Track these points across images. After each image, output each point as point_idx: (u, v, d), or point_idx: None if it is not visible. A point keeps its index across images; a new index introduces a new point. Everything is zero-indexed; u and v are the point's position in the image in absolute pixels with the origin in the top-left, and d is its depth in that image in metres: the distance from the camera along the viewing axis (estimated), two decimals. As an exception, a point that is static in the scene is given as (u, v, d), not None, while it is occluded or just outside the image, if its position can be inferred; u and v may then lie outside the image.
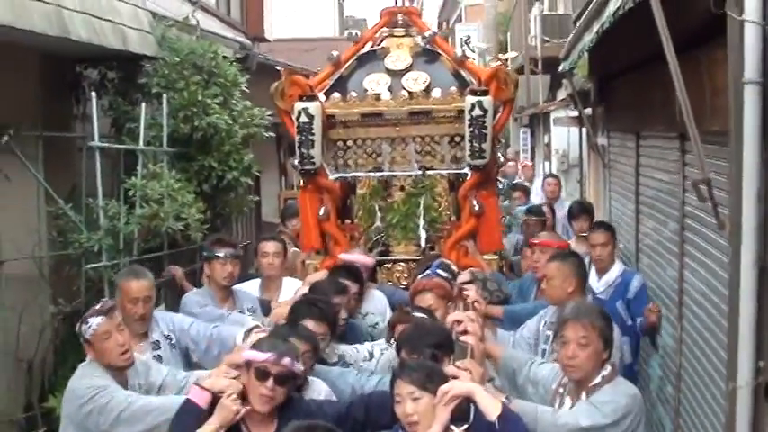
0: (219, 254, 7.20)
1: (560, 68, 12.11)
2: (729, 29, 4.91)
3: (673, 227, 7.58)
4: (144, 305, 6.06)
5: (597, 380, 4.69)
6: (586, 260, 7.66)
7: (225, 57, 10.53)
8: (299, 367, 4.71)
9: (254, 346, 4.79)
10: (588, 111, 13.09)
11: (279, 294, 7.60)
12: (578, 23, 9.53)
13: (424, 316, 5.55)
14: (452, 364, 4.58)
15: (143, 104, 9.07)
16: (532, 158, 27.06)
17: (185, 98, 9.51)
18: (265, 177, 12.90)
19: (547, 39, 19.87)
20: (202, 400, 4.67)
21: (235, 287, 7.42)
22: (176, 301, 7.76)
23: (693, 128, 4.87)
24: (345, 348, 5.90)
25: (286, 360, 4.59)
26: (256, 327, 5.66)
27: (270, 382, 4.57)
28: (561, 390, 4.93)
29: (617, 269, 8.00)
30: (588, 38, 8.06)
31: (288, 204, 11.45)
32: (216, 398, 4.65)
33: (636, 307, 7.71)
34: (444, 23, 42.69)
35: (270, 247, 7.75)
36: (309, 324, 5.43)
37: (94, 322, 5.24)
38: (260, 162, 11.02)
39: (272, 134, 11.31)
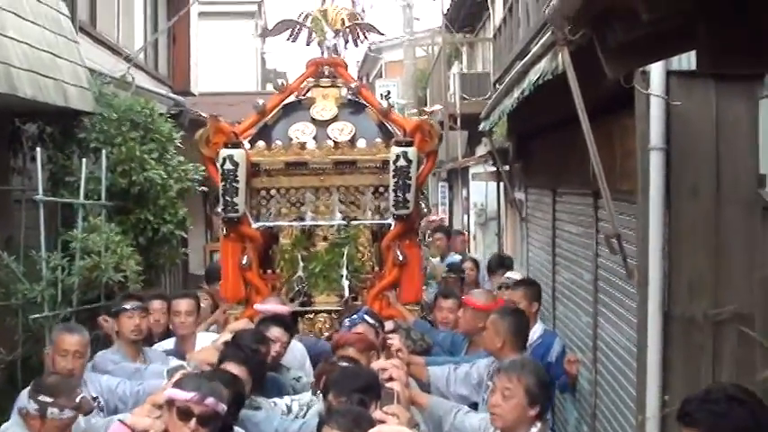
0: (126, 306, 6.95)
1: (480, 128, 12.59)
2: (637, 101, 5.49)
3: (587, 277, 8.09)
4: (74, 360, 5.89)
5: None
6: None
7: (160, 113, 10.90)
8: (224, 407, 4.48)
9: (177, 385, 4.54)
10: (506, 167, 13.61)
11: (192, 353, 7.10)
12: (498, 87, 10.05)
13: (349, 365, 5.34)
14: (380, 409, 4.49)
15: (83, 159, 9.39)
16: (450, 212, 27.59)
17: (123, 153, 9.87)
18: (192, 230, 13.22)
19: (465, 96, 20.37)
20: None
21: (145, 347, 7.18)
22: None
23: (605, 187, 5.40)
24: (262, 402, 5.64)
25: (209, 400, 4.37)
26: (180, 367, 5.62)
27: (192, 422, 4.34)
28: None
29: (538, 330, 7.68)
30: (509, 102, 8.56)
31: (211, 266, 11.07)
32: None
33: (557, 370, 7.33)
34: (364, 78, 43.27)
35: (182, 305, 7.51)
36: (232, 367, 5.26)
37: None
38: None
39: (203, 188, 11.64)
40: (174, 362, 6.16)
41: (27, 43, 8.61)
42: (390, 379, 5.02)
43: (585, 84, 5.20)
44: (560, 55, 5.20)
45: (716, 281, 5.47)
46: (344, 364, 5.31)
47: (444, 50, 23.27)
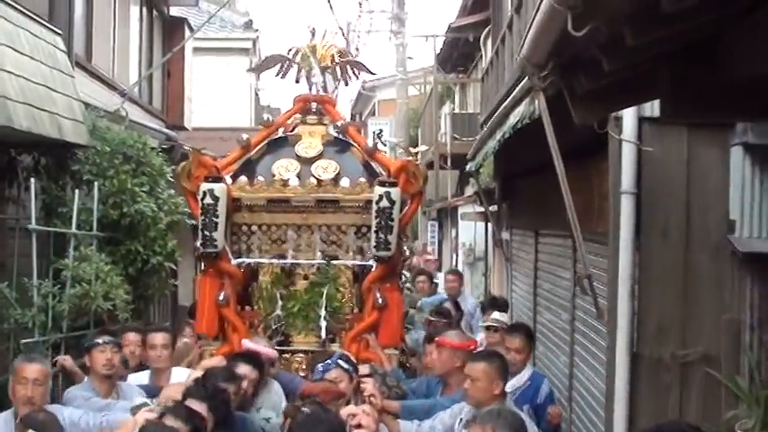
0: (98, 341, 6.78)
1: (467, 168, 12.81)
2: (610, 146, 5.72)
3: (565, 317, 8.30)
4: (33, 387, 5.78)
5: None
6: None
7: (152, 147, 11.13)
8: None
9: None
10: (493, 207, 13.83)
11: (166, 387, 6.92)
12: (484, 128, 10.28)
13: (315, 409, 5.17)
14: None
15: (76, 190, 9.60)
16: (439, 251, 27.79)
17: (115, 186, 10.08)
18: (182, 262, 13.40)
19: (456, 136, 20.55)
20: None
21: (120, 382, 7.00)
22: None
23: (577, 229, 5.59)
24: None
25: None
26: (144, 404, 5.48)
27: None
28: None
29: (527, 373, 7.37)
30: (492, 144, 8.79)
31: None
32: None
33: (544, 412, 7.12)
34: (357, 116, 43.56)
35: (158, 339, 7.37)
36: (194, 405, 5.18)
37: None
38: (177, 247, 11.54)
39: (193, 222, 11.83)
40: (138, 399, 5.88)
41: (24, 77, 8.80)
42: (359, 426, 4.91)
43: (563, 127, 5.34)
44: (537, 100, 5.41)
45: (684, 323, 5.71)
46: (310, 408, 5.14)
47: (436, 90, 23.56)
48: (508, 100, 7.34)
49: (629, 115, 5.60)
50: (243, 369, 6.13)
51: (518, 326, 8.09)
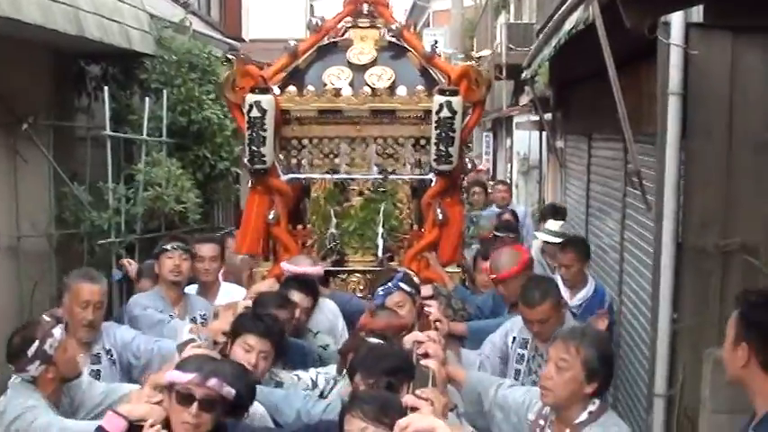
0: (167, 246, 6.57)
1: (522, 76, 13.03)
2: (659, 50, 6.00)
3: (616, 216, 8.60)
4: (94, 311, 5.46)
5: (583, 416, 4.00)
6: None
7: (216, 57, 11.53)
8: (230, 391, 3.95)
9: (179, 366, 4.04)
10: (548, 116, 14.06)
11: (215, 303, 6.78)
12: (540, 36, 10.49)
13: (379, 341, 4.71)
14: (412, 392, 3.90)
15: (146, 98, 10.05)
16: (494, 162, 28.04)
17: (183, 93, 10.57)
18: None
19: (512, 46, 20.64)
20: (117, 428, 3.88)
21: (189, 293, 6.81)
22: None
23: (628, 129, 5.93)
24: (284, 375, 5.13)
25: (213, 382, 3.88)
26: (191, 341, 5.05)
27: (194, 407, 3.86)
28: (542, 422, 4.25)
29: (592, 285, 7.20)
30: (547, 51, 9.01)
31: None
32: (134, 426, 3.91)
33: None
34: (412, 27, 43.50)
35: (205, 250, 6.94)
36: (251, 340, 4.82)
37: (58, 333, 4.73)
38: (242, 154, 11.99)
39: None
40: (186, 333, 5.50)
41: (93, -12, 9.21)
42: (426, 355, 4.50)
43: (615, 34, 5.54)
44: (591, 6, 5.70)
45: (725, 215, 6.00)
46: (373, 339, 4.73)
47: (491, 0, 23.57)
48: (564, 7, 7.53)
49: (676, 20, 5.82)
50: (296, 297, 5.76)
51: (568, 241, 7.77)
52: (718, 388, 5.55)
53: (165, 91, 10.30)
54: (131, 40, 10.11)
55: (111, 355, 5.57)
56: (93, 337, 5.51)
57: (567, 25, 7.20)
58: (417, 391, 3.83)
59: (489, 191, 13.23)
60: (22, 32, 8.09)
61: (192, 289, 6.94)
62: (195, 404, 3.84)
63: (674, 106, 5.92)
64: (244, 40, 20.10)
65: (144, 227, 9.72)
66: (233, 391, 3.94)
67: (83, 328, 5.41)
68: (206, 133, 10.83)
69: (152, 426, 3.85)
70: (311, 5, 36.23)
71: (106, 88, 9.59)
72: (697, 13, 5.89)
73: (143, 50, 10.41)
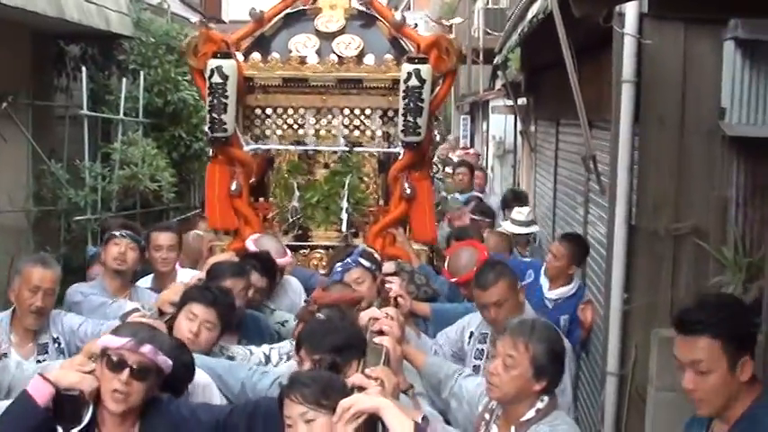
0: (115, 232, 6.07)
1: (494, 62, 13.25)
2: (614, 39, 6.26)
3: (579, 199, 8.86)
4: (44, 297, 5.07)
5: (530, 414, 3.83)
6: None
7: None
8: (166, 361, 3.69)
9: (114, 332, 3.76)
10: (522, 101, 14.31)
11: None
12: (509, 21, 10.74)
13: (329, 315, 4.48)
14: (362, 371, 3.75)
15: (123, 79, 10.27)
16: (472, 145, 28.24)
17: (159, 75, 10.82)
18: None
19: (489, 31, 20.83)
20: (43, 395, 3.55)
21: (137, 284, 6.32)
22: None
23: (583, 114, 6.20)
24: (236, 349, 4.88)
25: (147, 348, 3.61)
26: (135, 310, 4.96)
27: (124, 374, 3.57)
28: (488, 416, 4.09)
29: (574, 285, 6.98)
30: (514, 37, 9.27)
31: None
32: (62, 396, 3.60)
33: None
34: (393, 10, 43.63)
35: (163, 238, 6.46)
36: (198, 309, 4.59)
37: None
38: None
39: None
40: (130, 305, 5.34)
41: (73, -30, 9.41)
42: (380, 333, 4.27)
43: (578, 23, 5.79)
44: (549, -3, 5.96)
45: (677, 199, 6.26)
46: (324, 313, 4.51)
47: (469, -16, 23.76)
48: (527, -4, 7.82)
49: (630, 11, 6.05)
50: (252, 277, 5.47)
51: (567, 236, 7.51)
52: (664, 367, 5.77)
53: (142, 72, 10.55)
54: (110, 22, 10.33)
55: (59, 344, 5.23)
56: (41, 325, 5.16)
57: (530, 14, 7.44)
58: (367, 370, 3.67)
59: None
60: (2, 14, 8.29)
61: (146, 281, 6.51)
62: (127, 371, 3.57)
63: (627, 93, 6.17)
64: (224, 22, 20.23)
65: (119, 204, 9.96)
66: (169, 362, 3.69)
67: (31, 314, 5.06)
68: (182, 114, 11.09)
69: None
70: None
71: (84, 69, 9.83)
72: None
73: (121, 32, 10.64)
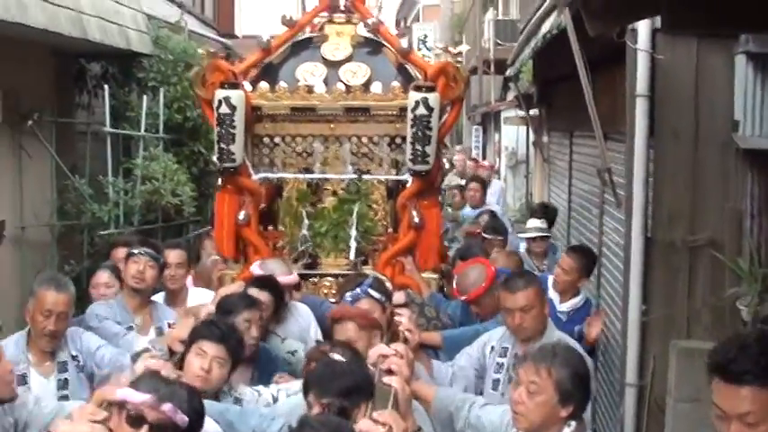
0: (134, 251, 6.10)
1: (506, 73, 13.39)
2: (627, 54, 6.40)
3: (595, 211, 8.96)
4: (57, 321, 5.11)
5: None
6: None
7: (211, 55, 11.96)
8: (183, 419, 3.64)
9: (133, 384, 3.76)
10: (534, 111, 14.43)
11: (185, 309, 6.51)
12: (521, 35, 10.86)
13: (341, 358, 4.27)
14: (369, 413, 3.71)
15: (144, 96, 10.48)
16: (484, 155, 28.37)
17: (179, 91, 11.03)
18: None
19: (499, 42, 21.04)
20: None
21: (158, 302, 6.36)
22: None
23: (599, 127, 6.33)
24: (244, 390, 4.83)
25: (167, 407, 3.60)
26: (146, 350, 4.85)
27: (143, 431, 3.58)
28: None
29: (582, 297, 7.12)
30: (527, 51, 9.40)
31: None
32: None
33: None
34: (402, 22, 43.85)
35: (172, 256, 6.50)
36: (208, 347, 4.57)
37: None
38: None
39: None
40: (141, 342, 5.33)
41: (94, -8, 9.63)
42: (389, 372, 4.15)
43: (590, 38, 5.72)
44: (562, 14, 6.09)
45: (692, 211, 6.37)
46: (335, 356, 4.30)
47: (479, -5, 23.93)
48: (541, 9, 7.91)
49: (643, 27, 6.20)
50: (260, 296, 5.48)
51: (575, 248, 7.56)
52: (682, 378, 5.92)
53: (161, 89, 10.77)
54: (130, 41, 10.52)
55: (78, 361, 5.30)
56: (55, 347, 5.21)
57: (543, 29, 7.57)
58: (374, 414, 3.62)
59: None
60: (27, 35, 8.48)
61: (158, 298, 6.50)
62: (146, 427, 3.56)
63: (641, 108, 6.31)
64: (237, 36, 20.45)
65: (142, 219, 10.15)
66: (186, 419, 3.64)
67: (44, 337, 5.13)
68: (200, 130, 11.29)
69: None
70: (302, 1, 36.51)
71: (106, 86, 10.05)
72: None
73: (141, 50, 10.83)
